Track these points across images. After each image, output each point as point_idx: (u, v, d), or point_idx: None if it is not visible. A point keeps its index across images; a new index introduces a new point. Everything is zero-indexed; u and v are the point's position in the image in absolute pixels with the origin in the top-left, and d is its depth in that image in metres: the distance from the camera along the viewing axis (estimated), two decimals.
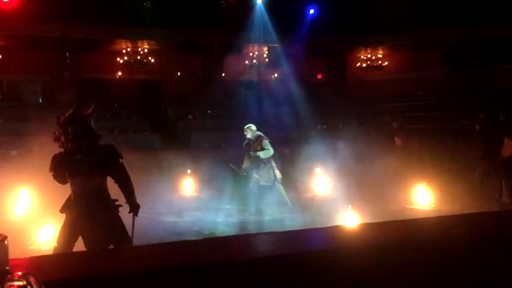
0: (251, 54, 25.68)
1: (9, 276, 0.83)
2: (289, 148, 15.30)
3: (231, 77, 23.90)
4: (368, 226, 2.39)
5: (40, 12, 17.79)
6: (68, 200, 4.85)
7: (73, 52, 21.58)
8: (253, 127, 9.82)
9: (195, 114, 21.02)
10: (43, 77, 22.13)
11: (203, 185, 12.43)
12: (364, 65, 26.74)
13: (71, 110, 4.82)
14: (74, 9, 18.35)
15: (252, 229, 8.12)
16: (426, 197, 10.14)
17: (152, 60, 24.28)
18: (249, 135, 9.75)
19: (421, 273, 1.97)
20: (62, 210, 4.86)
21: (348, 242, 2.02)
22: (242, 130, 9.97)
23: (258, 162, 9.70)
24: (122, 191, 4.95)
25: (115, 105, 21.39)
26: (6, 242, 0.81)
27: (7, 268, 0.82)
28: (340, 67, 25.88)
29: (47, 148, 5.26)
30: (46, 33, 20.36)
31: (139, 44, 24.06)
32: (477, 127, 11.47)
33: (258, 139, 9.69)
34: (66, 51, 21.37)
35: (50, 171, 4.83)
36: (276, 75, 25.25)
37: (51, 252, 4.84)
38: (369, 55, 26.62)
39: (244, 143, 9.92)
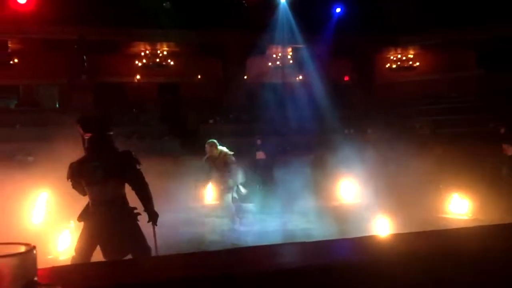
0: (274, 55, 25.70)
1: (37, 287, 0.84)
2: (314, 154, 15.25)
3: (254, 79, 23.95)
4: (401, 237, 2.35)
5: (57, 14, 18.09)
6: (86, 208, 4.91)
7: (90, 55, 21.89)
8: (216, 143, 9.50)
9: (216, 119, 21.10)
10: (60, 81, 22.47)
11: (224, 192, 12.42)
12: (394, 66, 26.54)
13: (91, 122, 4.89)
14: (92, 11, 18.61)
15: (276, 239, 8.10)
16: (461, 206, 9.98)
17: (172, 63, 24.48)
18: (211, 152, 9.43)
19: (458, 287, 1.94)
20: (80, 219, 4.91)
21: (380, 253, 1.99)
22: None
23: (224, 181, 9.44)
24: (139, 199, 4.98)
25: (134, 109, 21.61)
26: (34, 252, 0.82)
27: (35, 278, 0.83)
28: (368, 68, 25.73)
29: (64, 154, 5.34)
30: (63, 35, 20.69)
31: (158, 46, 24.29)
32: (502, 130, 11.29)
33: (220, 155, 9.36)
34: (84, 54, 21.68)
35: (67, 180, 4.90)
36: (300, 77, 25.22)
37: (69, 262, 4.90)
38: (399, 56, 26.43)
39: (204, 158, 9.60)
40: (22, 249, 0.82)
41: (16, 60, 22.38)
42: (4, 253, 0.80)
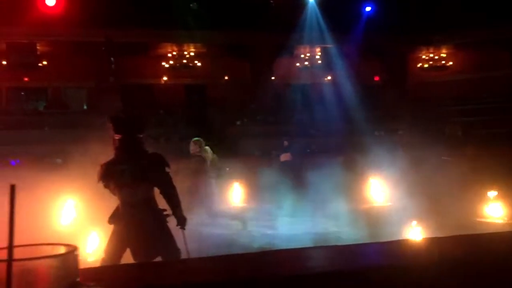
0: (302, 56, 25.64)
1: (80, 287, 0.86)
2: (344, 156, 15.15)
3: (281, 80, 23.92)
4: (435, 241, 2.32)
5: (85, 17, 18.40)
6: (116, 210, 4.97)
7: (118, 57, 22.18)
8: (196, 141, 9.52)
9: (243, 120, 21.15)
10: (87, 83, 22.83)
11: (252, 195, 12.45)
12: (425, 65, 26.22)
13: (122, 123, 4.96)
14: (119, 14, 18.87)
15: (305, 242, 8.07)
16: (497, 209, 9.79)
17: (198, 64, 24.62)
18: (191, 149, 9.43)
19: None
20: (110, 221, 4.98)
21: (412, 258, 1.97)
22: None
23: None
24: (167, 203, 5.01)
25: (160, 111, 21.80)
26: (77, 253, 0.85)
27: (78, 279, 0.85)
28: (399, 68, 25.47)
29: (93, 156, 5.42)
30: (91, 38, 21.04)
31: (185, 47, 24.48)
32: None
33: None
34: (111, 56, 21.99)
35: (98, 181, 4.96)
36: (329, 77, 25.09)
37: (97, 264, 4.96)
38: (431, 55, 26.09)
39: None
40: (65, 250, 0.84)
41: (44, 63, 22.82)
42: (48, 253, 0.83)
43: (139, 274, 1.78)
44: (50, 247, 0.85)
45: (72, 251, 0.83)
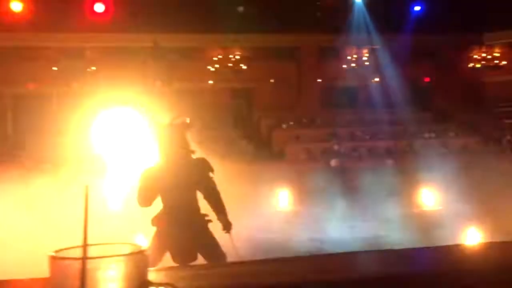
0: (349, 57, 25.38)
1: (151, 285, 0.91)
2: (393, 159, 14.98)
3: (328, 83, 23.77)
4: (488, 246, 2.28)
5: (133, 22, 18.84)
6: (159, 212, 5.06)
7: (164, 61, 22.53)
8: None
9: (289, 123, 21.13)
10: (135, 87, 23.23)
11: (299, 198, 12.44)
12: (478, 65, 25.53)
13: (167, 122, 5.03)
14: (166, 19, 19.21)
15: (354, 247, 8.01)
16: None
17: (244, 67, 24.73)
18: None
19: None
20: (153, 222, 5.07)
21: (466, 263, 1.95)
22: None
23: None
24: (211, 208, 5.04)
25: (207, 114, 22.01)
26: (146, 253, 0.90)
27: (147, 278, 0.90)
28: (450, 68, 24.90)
29: (139, 159, 5.53)
30: (138, 43, 21.49)
31: (231, 51, 24.63)
32: None
33: None
34: (158, 61, 22.36)
35: (138, 183, 5.03)
36: (377, 79, 24.78)
37: None
38: (483, 54, 25.39)
39: None
40: (131, 249, 0.88)
41: (93, 68, 23.40)
42: (115, 252, 0.87)
43: (183, 276, 1.83)
44: (116, 246, 0.89)
45: (143, 250, 0.87)
